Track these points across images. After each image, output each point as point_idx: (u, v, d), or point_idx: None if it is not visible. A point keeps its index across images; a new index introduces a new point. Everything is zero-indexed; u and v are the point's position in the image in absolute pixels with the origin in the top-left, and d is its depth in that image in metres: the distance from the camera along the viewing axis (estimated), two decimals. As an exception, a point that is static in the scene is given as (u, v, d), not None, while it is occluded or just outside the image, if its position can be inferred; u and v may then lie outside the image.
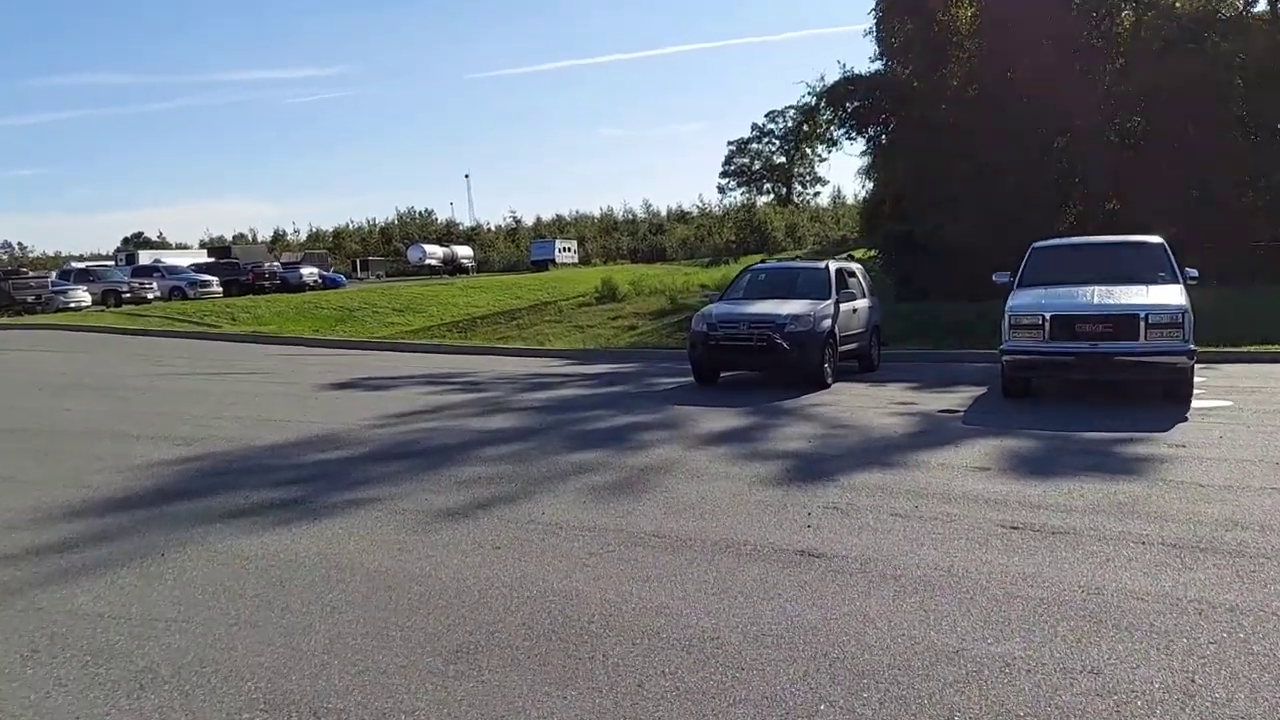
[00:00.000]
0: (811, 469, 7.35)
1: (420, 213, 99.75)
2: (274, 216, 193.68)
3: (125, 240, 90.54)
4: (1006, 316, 10.63)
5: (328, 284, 49.95)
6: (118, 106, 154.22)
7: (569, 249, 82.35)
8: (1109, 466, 7.18)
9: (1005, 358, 10.61)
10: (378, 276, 71.06)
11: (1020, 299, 10.81)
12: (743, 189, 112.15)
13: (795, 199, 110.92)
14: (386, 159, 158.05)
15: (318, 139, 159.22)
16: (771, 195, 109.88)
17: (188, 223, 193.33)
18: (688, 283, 41.82)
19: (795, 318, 12.06)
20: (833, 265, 13.70)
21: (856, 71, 32.93)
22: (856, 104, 32.28)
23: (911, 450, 8.02)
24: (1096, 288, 10.55)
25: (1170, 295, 10.26)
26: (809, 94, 34.49)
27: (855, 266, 14.60)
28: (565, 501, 6.46)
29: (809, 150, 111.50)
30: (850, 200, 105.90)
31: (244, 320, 31.08)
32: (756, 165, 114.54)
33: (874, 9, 33.72)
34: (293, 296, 39.61)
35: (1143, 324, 9.88)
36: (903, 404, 10.82)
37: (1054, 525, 5.59)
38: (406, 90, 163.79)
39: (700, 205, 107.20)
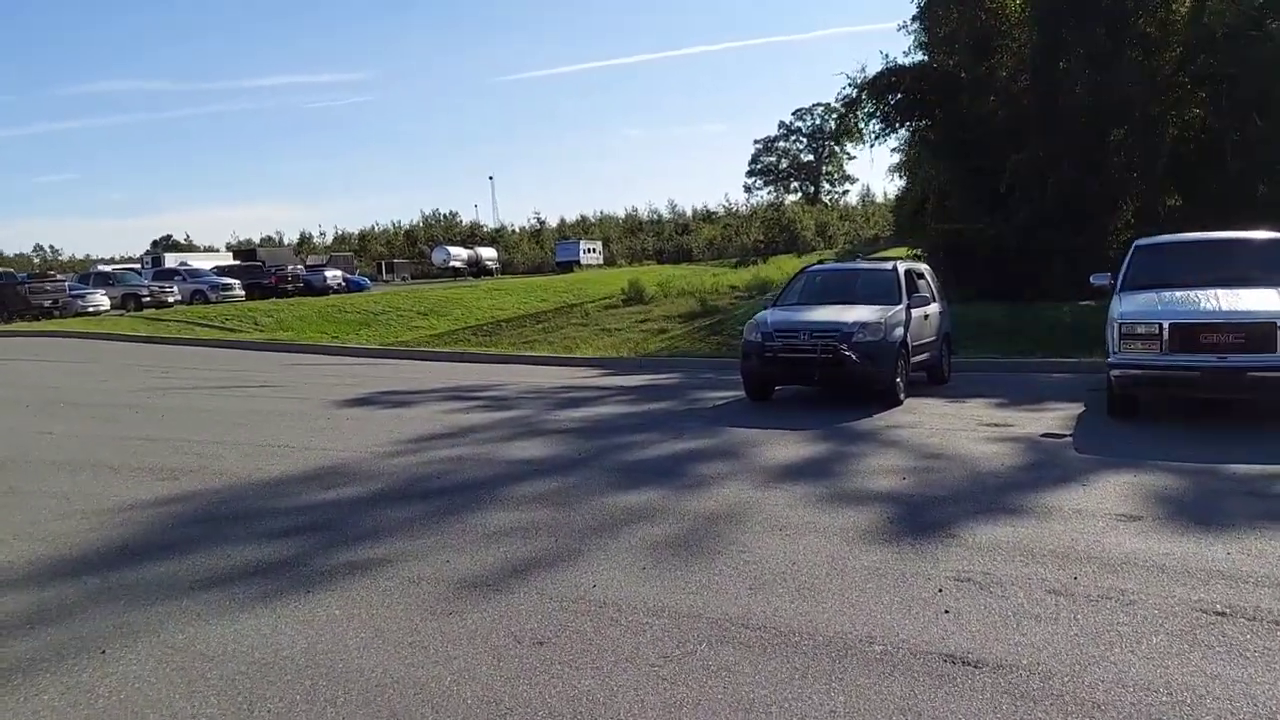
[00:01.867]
0: (919, 518, 5.98)
1: (444, 215, 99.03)
2: (301, 219, 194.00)
3: (154, 244, 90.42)
4: (1115, 325, 9.20)
5: (351, 287, 49.12)
6: (150, 112, 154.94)
7: (594, 250, 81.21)
8: (1292, 516, 5.78)
9: (1114, 372, 9.17)
10: (402, 279, 70.28)
11: (1130, 304, 9.36)
12: (769, 188, 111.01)
13: (824, 197, 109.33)
14: (411, 162, 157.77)
15: (343, 143, 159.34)
16: (799, 194, 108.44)
17: (217, 226, 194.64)
18: (716, 284, 40.45)
19: (864, 326, 10.67)
20: (901, 266, 12.29)
21: (900, 63, 31.41)
22: (900, 96, 30.74)
23: (1032, 490, 6.63)
24: (1217, 291, 9.09)
25: (1310, 299, 8.79)
26: (849, 85, 32.86)
27: (923, 267, 13.17)
28: (620, 565, 5.13)
29: (838, 148, 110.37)
30: (880, 199, 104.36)
31: (266, 324, 30.11)
32: (784, 164, 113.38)
33: (916, -4, 32.24)
34: (316, 300, 38.70)
35: (1280, 333, 8.43)
36: (995, 425, 9.41)
37: (1274, 610, 4.21)
38: (430, 93, 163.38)
39: (726, 205, 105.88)
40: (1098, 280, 10.69)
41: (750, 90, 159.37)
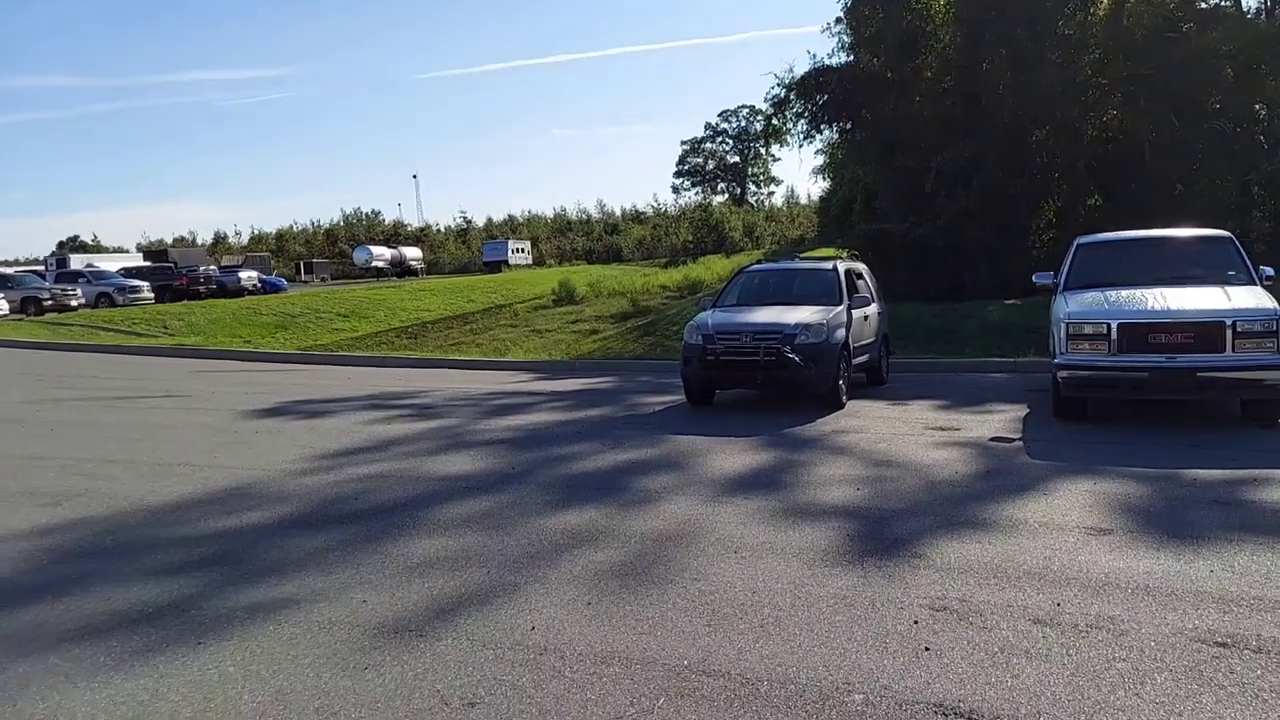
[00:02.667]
0: (880, 535, 5.56)
1: (367, 214, 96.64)
2: (218, 219, 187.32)
3: (60, 244, 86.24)
4: (1061, 325, 8.97)
5: (268, 288, 47.48)
6: (56, 109, 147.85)
7: (522, 250, 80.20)
8: (1263, 524, 5.52)
9: (1061, 374, 8.95)
10: (322, 280, 68.33)
11: (1076, 304, 9.16)
12: (697, 189, 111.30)
13: (750, 199, 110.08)
14: (333, 161, 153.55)
15: (261, 141, 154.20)
16: (726, 195, 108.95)
17: (130, 227, 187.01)
18: (647, 284, 39.98)
19: (806, 327, 10.30)
20: (841, 266, 11.97)
21: (828, 64, 31.41)
22: (827, 96, 30.71)
23: (992, 501, 6.28)
24: (1164, 290, 8.95)
25: (1256, 298, 8.68)
26: (778, 85, 32.80)
27: (861, 267, 12.89)
28: (561, 601, 4.59)
29: (764, 151, 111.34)
30: (804, 200, 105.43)
31: (176, 328, 28.68)
32: (710, 165, 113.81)
33: (842, -4, 32.32)
34: (230, 302, 37.16)
35: (1229, 332, 8.28)
36: (941, 429, 9.11)
37: (1278, 640, 3.87)
38: (352, 91, 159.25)
39: (655, 205, 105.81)
40: (1041, 279, 10.51)
41: (677, 91, 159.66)
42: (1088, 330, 8.78)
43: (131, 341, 24.80)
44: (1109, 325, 8.65)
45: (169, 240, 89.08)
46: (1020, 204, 27.30)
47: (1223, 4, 28.53)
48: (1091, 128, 27.77)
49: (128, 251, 73.86)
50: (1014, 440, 8.43)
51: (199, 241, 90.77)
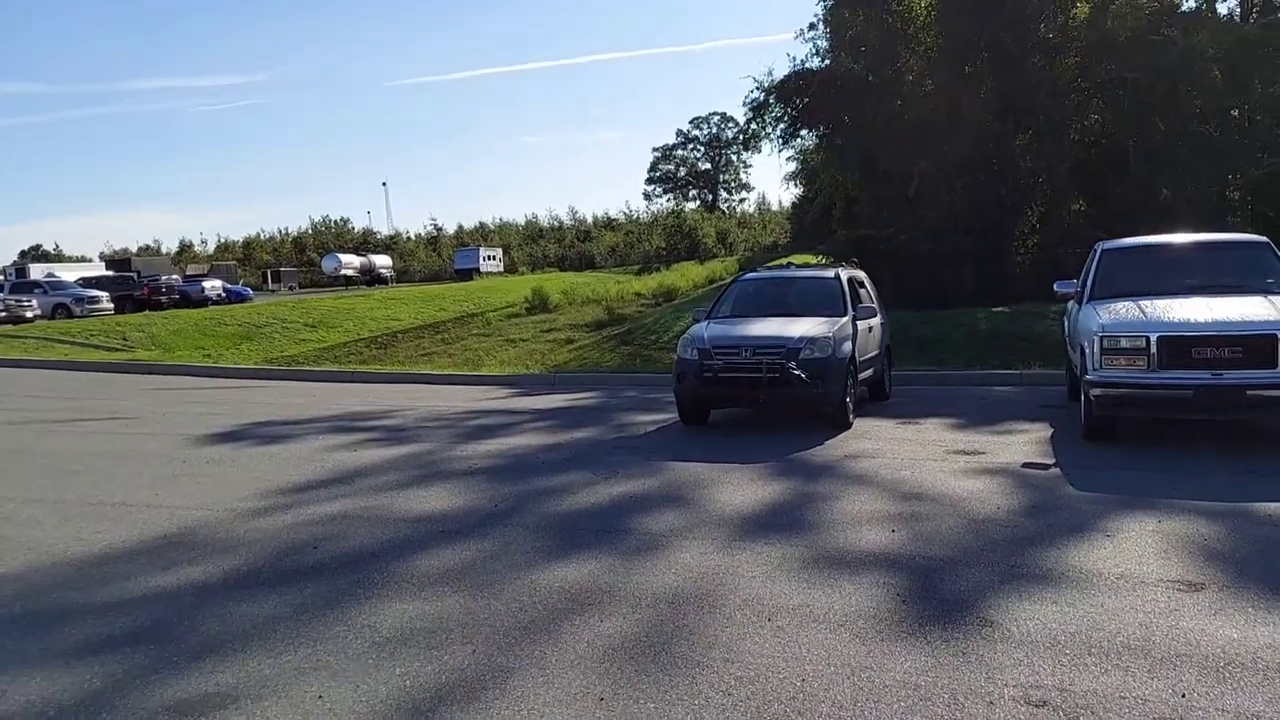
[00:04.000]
0: (934, 593, 4.73)
1: (336, 221, 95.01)
2: (183, 228, 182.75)
3: (21, 254, 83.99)
4: (1095, 338, 8.21)
5: (233, 297, 46.15)
6: (20, 116, 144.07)
7: (494, 257, 79.11)
8: (1376, 576, 4.76)
9: (1094, 391, 8.18)
10: (290, 288, 66.92)
11: (1109, 315, 8.40)
12: (669, 195, 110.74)
13: (721, 205, 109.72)
14: (302, 168, 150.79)
15: (230, 148, 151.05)
16: (698, 202, 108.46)
17: (94, 235, 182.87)
18: (621, 291, 39.21)
19: (811, 341, 9.48)
20: (843, 273, 11.19)
21: (808, 67, 30.79)
22: (807, 99, 30.05)
23: (1049, 545, 5.48)
24: (1203, 299, 8.23)
25: (1306, 308, 7.97)
26: (757, 89, 32.12)
27: (862, 275, 12.11)
28: (567, 695, 3.70)
29: (736, 158, 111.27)
30: (775, 207, 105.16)
31: (136, 340, 27.45)
32: (682, 172, 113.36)
33: (821, -1, 31.75)
34: (193, 312, 35.86)
35: (1280, 347, 7.57)
36: (965, 453, 8.32)
37: None
38: (322, 98, 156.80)
39: (627, 212, 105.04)
40: (1063, 287, 9.78)
41: (647, 99, 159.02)
42: (1124, 344, 8.03)
43: (86, 356, 23.54)
44: (1148, 339, 7.90)
45: (134, 249, 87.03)
46: (1004, 209, 26.82)
47: (1202, 9, 28.22)
48: (1074, 132, 27.38)
49: (91, 261, 71.95)
50: (1049, 467, 7.65)
51: (164, 250, 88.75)
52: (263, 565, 5.60)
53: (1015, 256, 27.56)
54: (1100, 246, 9.84)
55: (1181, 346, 7.79)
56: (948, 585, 4.85)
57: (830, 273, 11.19)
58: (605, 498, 7.10)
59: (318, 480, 8.00)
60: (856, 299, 10.94)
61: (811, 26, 35.16)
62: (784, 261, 13.43)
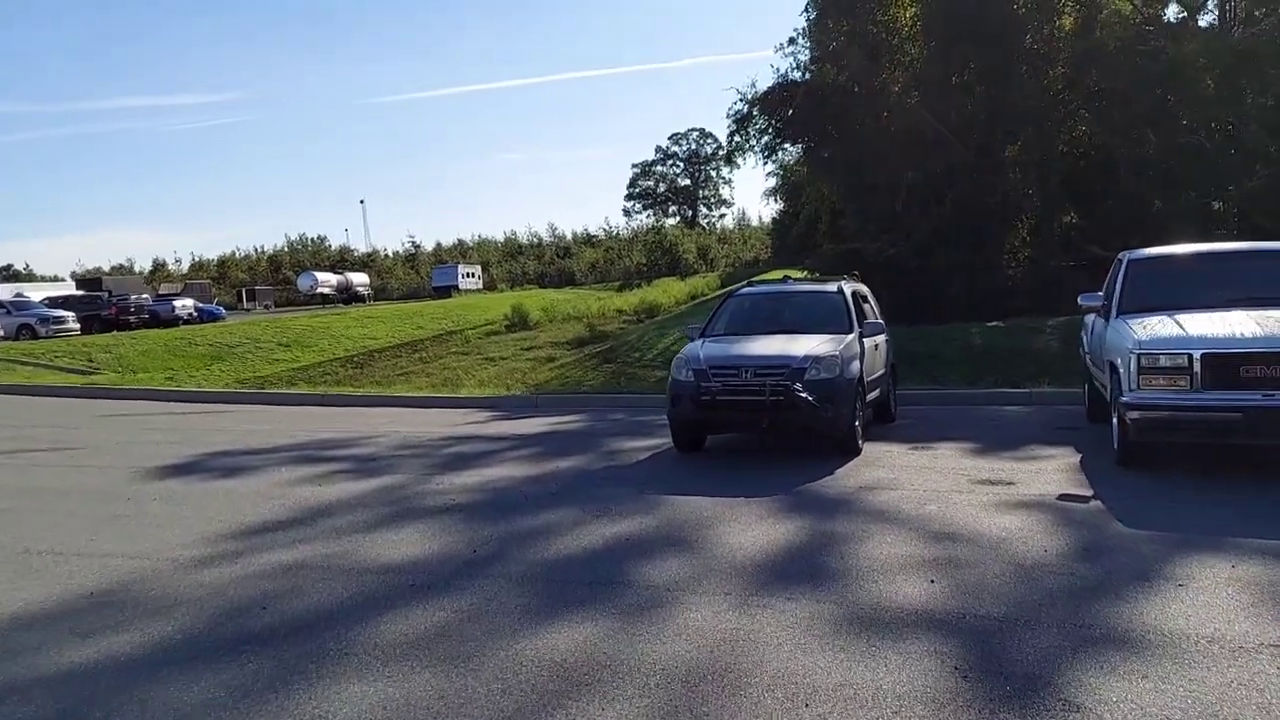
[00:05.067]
0: (998, 664, 3.96)
1: (312, 239, 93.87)
2: (158, 247, 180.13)
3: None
4: (1132, 356, 7.50)
5: (204, 317, 45.06)
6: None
7: (473, 274, 78.19)
8: None
9: (1132, 415, 7.47)
10: (265, 307, 65.74)
11: (1145, 331, 7.69)
12: (648, 211, 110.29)
13: (701, 221, 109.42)
14: (279, 186, 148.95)
15: (206, 167, 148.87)
16: (677, 218, 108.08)
17: (68, 255, 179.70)
18: (603, 308, 38.47)
19: (817, 360, 8.74)
20: (847, 286, 10.48)
21: (793, 78, 30.29)
22: (792, 111, 29.51)
23: (1116, 598, 4.73)
24: (1247, 313, 7.56)
25: (1359, 323, 7.31)
26: (740, 101, 31.58)
27: (865, 289, 11.40)
28: (565, 819, 2.91)
29: (715, 173, 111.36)
30: (755, 222, 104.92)
31: (102, 361, 26.43)
32: (661, 188, 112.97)
33: (805, 9, 31.32)
34: (162, 332, 34.83)
35: (1338, 364, 6.90)
36: (991, 483, 7.59)
37: None
38: (300, 116, 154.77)
39: (607, 228, 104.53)
40: (1088, 300, 9.10)
41: (626, 115, 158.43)
42: (1164, 362, 7.33)
43: (48, 379, 22.44)
44: (1190, 356, 7.21)
45: (106, 268, 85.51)
46: (994, 221, 26.33)
47: (1185, 20, 27.92)
48: (1062, 143, 26.97)
49: (64, 280, 70.57)
50: (1088, 499, 6.92)
51: (137, 269, 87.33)
52: (200, 632, 4.77)
53: (1007, 270, 27.06)
54: (1126, 256, 9.17)
55: (1228, 364, 7.10)
56: (1011, 653, 4.09)
57: (833, 287, 10.47)
58: (598, 540, 6.30)
59: (275, 521, 7.15)
60: (861, 315, 10.23)
61: (791, 41, 34.72)
62: (780, 275, 12.88)
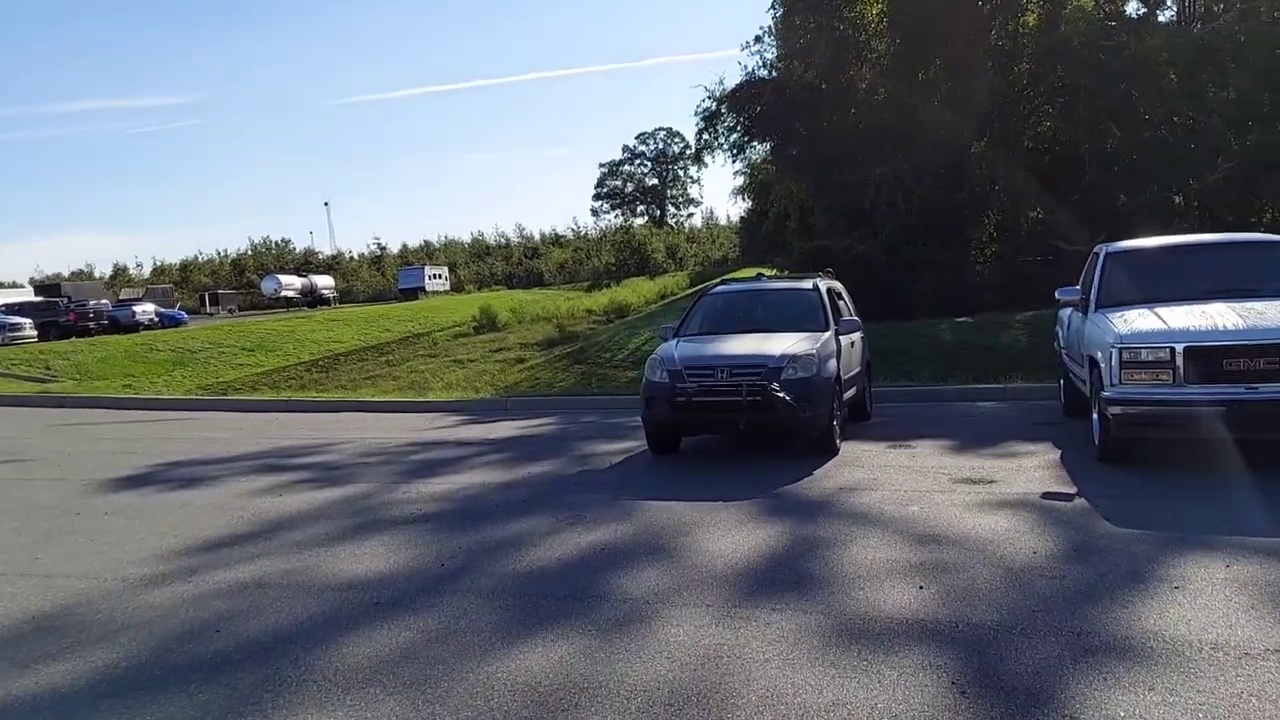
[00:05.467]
0: (997, 679, 3.76)
1: (277, 242, 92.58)
2: (119, 251, 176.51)
3: (-51, 280, 79.94)
4: (1113, 350, 7.38)
5: (166, 322, 44.20)
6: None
7: (440, 276, 77.52)
8: None
9: (1114, 410, 7.34)
10: (229, 311, 64.67)
11: (1126, 325, 7.57)
12: (616, 211, 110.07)
13: (669, 220, 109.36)
14: (242, 189, 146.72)
15: (168, 169, 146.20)
16: (645, 217, 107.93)
17: (27, 261, 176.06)
18: (572, 308, 38.19)
19: (794, 359, 8.54)
20: (822, 283, 10.30)
21: (760, 76, 30.20)
22: (760, 109, 29.38)
23: (1112, 603, 4.56)
24: (1229, 305, 7.45)
25: (1340, 313, 7.23)
26: (708, 98, 31.44)
27: (839, 286, 11.23)
28: None
29: (682, 172, 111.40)
30: (724, 221, 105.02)
31: (60, 369, 25.74)
32: (629, 187, 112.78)
33: (772, 6, 31.29)
34: (123, 338, 34.10)
35: (1322, 356, 6.81)
36: (972, 482, 7.43)
37: None
38: (263, 118, 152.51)
39: (575, 229, 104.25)
40: (1066, 294, 8.96)
41: (593, 115, 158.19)
42: (1145, 356, 7.21)
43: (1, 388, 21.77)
44: (1172, 350, 7.09)
45: (67, 274, 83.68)
46: (961, 218, 26.37)
47: (1147, 16, 28.16)
48: (1027, 139, 27.08)
49: (23, 286, 68.99)
50: (1073, 497, 6.77)
51: (97, 274, 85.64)
52: (148, 659, 4.46)
53: (975, 266, 27.12)
54: (1103, 249, 9.06)
55: (1211, 358, 6.99)
56: (1010, 665, 3.90)
57: (808, 284, 10.29)
58: (572, 550, 6.04)
59: (232, 535, 6.82)
60: (837, 312, 10.05)
61: (758, 39, 34.69)
62: (754, 273, 12.74)
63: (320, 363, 30.56)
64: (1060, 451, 8.49)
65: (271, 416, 14.99)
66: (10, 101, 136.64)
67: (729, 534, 6.19)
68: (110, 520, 7.51)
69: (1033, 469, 7.83)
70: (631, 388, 18.04)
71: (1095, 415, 7.90)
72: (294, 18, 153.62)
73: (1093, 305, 8.44)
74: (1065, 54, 25.22)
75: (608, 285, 63.95)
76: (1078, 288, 8.97)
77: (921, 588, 4.93)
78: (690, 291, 52.41)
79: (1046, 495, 6.87)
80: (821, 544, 5.88)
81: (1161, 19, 27.65)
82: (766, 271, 33.22)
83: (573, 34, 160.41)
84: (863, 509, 6.73)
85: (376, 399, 16.61)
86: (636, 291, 49.27)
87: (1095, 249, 9.36)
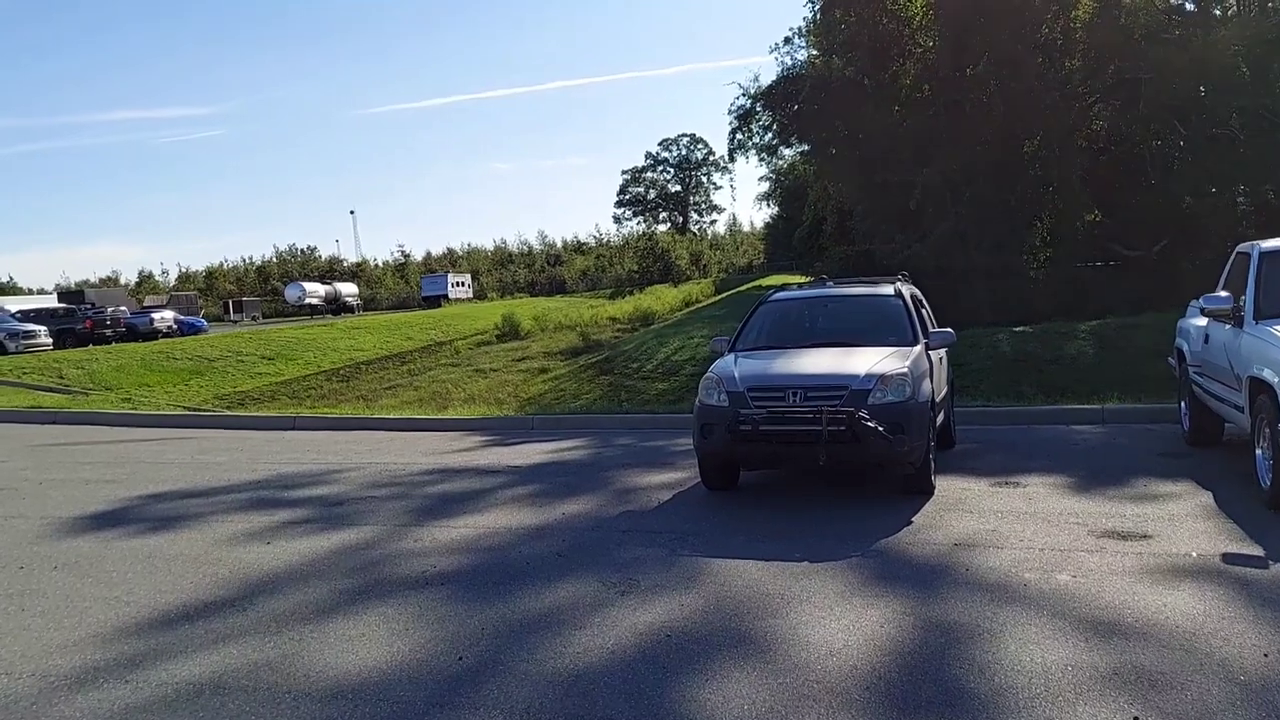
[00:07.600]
0: None
1: (302, 250, 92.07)
2: (146, 259, 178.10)
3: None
4: (1295, 372, 5.88)
5: (185, 329, 43.33)
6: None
7: (463, 283, 76.59)
8: None
9: (1297, 448, 5.85)
10: (253, 318, 63.99)
11: (1307, 340, 6.07)
12: (639, 218, 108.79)
13: (692, 227, 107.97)
14: (268, 198, 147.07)
15: (195, 179, 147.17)
16: (668, 224, 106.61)
17: (54, 268, 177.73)
18: (595, 316, 36.94)
19: (883, 380, 7.07)
20: (904, 288, 8.83)
21: (799, 71, 28.78)
22: (798, 106, 27.95)
23: None
24: None
25: None
26: (743, 96, 30.11)
27: (919, 292, 9.74)
28: None
29: (705, 178, 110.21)
30: (747, 228, 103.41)
31: (73, 378, 24.78)
32: (651, 194, 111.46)
33: (809, 1, 29.93)
34: (140, 346, 33.22)
35: None
36: (1118, 536, 5.94)
37: None
38: (288, 128, 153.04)
39: (598, 236, 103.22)
40: (1212, 303, 7.41)
41: (615, 123, 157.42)
42: (1344, 381, 5.71)
43: (7, 399, 20.66)
44: (1381, 373, 5.58)
45: (94, 281, 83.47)
46: (1015, 221, 24.81)
47: (1209, 8, 26.44)
48: (1081, 138, 25.43)
49: (49, 293, 68.65)
50: (1266, 562, 5.26)
51: (123, 281, 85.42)
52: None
53: (1029, 271, 25.52)
54: (1255, 249, 7.51)
55: None
56: None
57: (889, 288, 8.81)
58: (629, 635, 4.61)
59: (199, 603, 5.45)
60: (923, 323, 8.58)
61: (787, 40, 33.27)
62: (812, 278, 11.47)
63: (341, 372, 29.46)
64: (1210, 493, 6.96)
65: (276, 435, 13.67)
66: (43, 111, 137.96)
67: (831, 615, 4.74)
68: (56, 578, 6.15)
69: (1188, 518, 6.31)
70: (664, 401, 16.67)
71: (1259, 451, 6.40)
72: (319, 29, 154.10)
73: (1250, 316, 6.92)
74: (1123, 48, 23.64)
75: (630, 292, 62.69)
76: (1227, 294, 7.43)
77: (1136, 718, 3.46)
78: (716, 299, 51.07)
79: (1228, 558, 5.37)
80: (961, 634, 4.42)
81: (1216, 13, 25.99)
82: (799, 279, 31.62)
83: (596, 43, 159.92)
84: (996, 577, 5.26)
85: (391, 416, 15.26)
86: (660, 299, 47.96)
87: (1239, 248, 7.85)
